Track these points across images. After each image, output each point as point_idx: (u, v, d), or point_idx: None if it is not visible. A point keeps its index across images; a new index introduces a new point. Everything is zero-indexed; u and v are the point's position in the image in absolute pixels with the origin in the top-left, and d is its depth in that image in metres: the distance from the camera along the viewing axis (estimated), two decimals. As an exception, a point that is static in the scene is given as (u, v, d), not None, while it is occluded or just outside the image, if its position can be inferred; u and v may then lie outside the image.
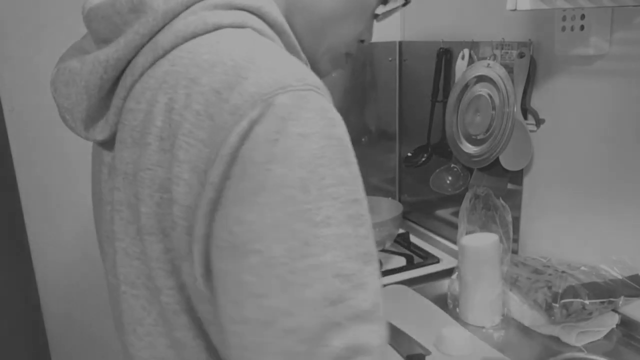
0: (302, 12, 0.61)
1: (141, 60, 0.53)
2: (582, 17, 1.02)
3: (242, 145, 0.45)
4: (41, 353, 1.37)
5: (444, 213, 1.56)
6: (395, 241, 1.50)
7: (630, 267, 1.05)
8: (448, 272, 1.26)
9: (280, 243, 0.44)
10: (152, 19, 0.52)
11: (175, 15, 0.53)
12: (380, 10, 0.69)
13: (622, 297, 1.01)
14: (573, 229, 1.17)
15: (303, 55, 0.59)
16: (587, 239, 1.14)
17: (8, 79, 1.24)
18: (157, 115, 0.50)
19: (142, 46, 0.53)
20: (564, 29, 1.07)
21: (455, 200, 1.42)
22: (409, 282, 1.29)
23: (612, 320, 1.05)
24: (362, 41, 0.70)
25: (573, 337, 1.02)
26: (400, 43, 1.64)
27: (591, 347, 1.01)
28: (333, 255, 0.46)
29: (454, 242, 1.32)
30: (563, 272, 1.08)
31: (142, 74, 0.53)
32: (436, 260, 1.42)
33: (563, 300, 1.00)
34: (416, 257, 1.46)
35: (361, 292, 0.46)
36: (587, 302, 1.00)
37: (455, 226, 1.35)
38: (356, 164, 0.50)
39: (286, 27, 0.56)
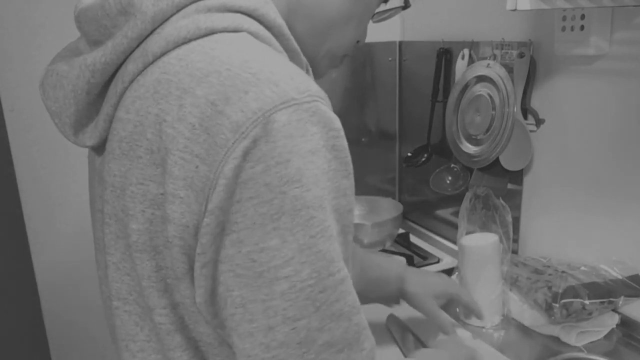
0: (306, 16, 0.59)
1: (131, 67, 0.51)
2: (582, 17, 1.02)
3: (247, 165, 0.43)
4: (41, 353, 1.37)
5: (444, 213, 1.56)
6: (395, 241, 1.50)
7: (630, 267, 1.05)
8: (448, 272, 1.26)
9: (308, 265, 0.45)
10: (141, 22, 0.49)
11: (166, 18, 0.50)
12: (381, 8, 0.68)
13: (622, 297, 1.01)
14: (573, 229, 1.17)
15: (303, 58, 0.58)
16: (587, 239, 1.14)
17: (8, 79, 1.24)
18: (148, 127, 0.48)
19: (132, 51, 0.51)
20: (564, 29, 1.07)
21: (455, 200, 1.42)
22: (409, 282, 1.29)
23: (612, 320, 1.05)
24: (357, 42, 0.68)
25: (573, 337, 1.02)
26: (400, 43, 1.64)
27: (591, 347, 1.01)
28: (346, 266, 0.48)
29: (454, 242, 1.32)
30: (563, 272, 1.08)
31: (132, 81, 0.51)
32: (436, 260, 1.42)
33: (563, 300, 1.00)
34: (416, 257, 1.45)
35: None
36: (587, 302, 1.00)
37: (455, 226, 1.35)
38: (353, 175, 0.50)
39: (285, 29, 0.54)
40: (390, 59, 1.64)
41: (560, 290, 1.02)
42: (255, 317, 0.45)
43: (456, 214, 1.37)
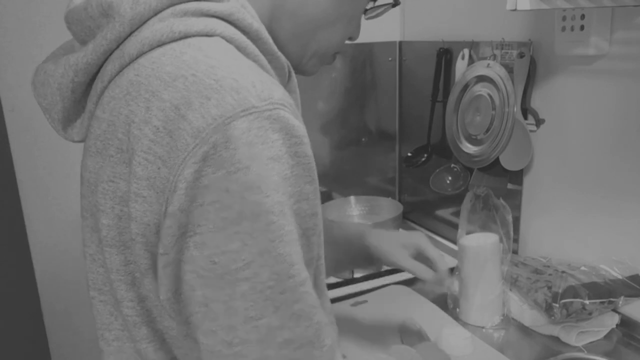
0: (289, 18, 0.60)
1: (109, 67, 0.52)
2: (582, 17, 1.02)
3: (209, 171, 0.45)
4: (41, 353, 1.37)
5: (444, 213, 1.56)
6: (395, 241, 1.50)
7: (630, 267, 1.05)
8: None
9: (267, 268, 0.46)
10: (119, 24, 0.51)
11: (143, 21, 0.51)
12: (370, 5, 0.68)
13: (622, 297, 1.01)
14: (573, 229, 1.17)
15: (283, 60, 0.58)
16: (587, 239, 1.14)
17: (8, 78, 1.24)
18: (119, 127, 0.50)
19: (111, 52, 0.53)
20: (564, 29, 1.07)
21: (455, 200, 1.42)
22: (409, 282, 1.29)
23: (612, 320, 1.05)
24: (350, 39, 0.68)
25: (573, 337, 1.02)
26: (400, 43, 1.64)
27: (591, 347, 1.01)
28: (312, 265, 0.50)
29: (454, 242, 1.32)
30: (563, 272, 1.08)
31: (110, 81, 0.53)
32: (436, 260, 1.41)
33: (563, 300, 1.00)
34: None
35: None
36: (587, 302, 1.00)
37: (455, 226, 1.35)
38: (317, 180, 0.51)
39: (262, 33, 0.54)
40: (390, 59, 1.64)
41: (560, 290, 1.02)
42: (217, 316, 0.47)
43: (456, 214, 1.37)
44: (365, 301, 1.20)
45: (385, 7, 0.69)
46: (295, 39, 0.61)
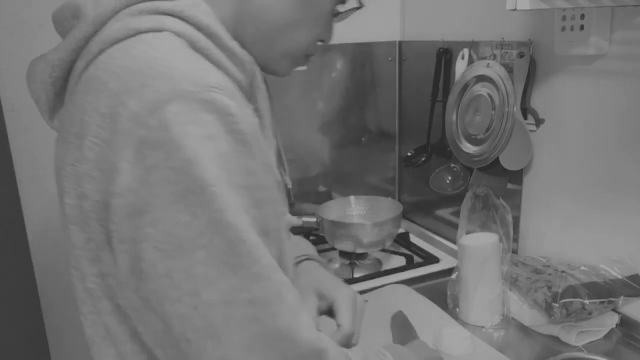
0: (251, 22, 0.63)
1: (79, 64, 0.58)
2: (582, 17, 1.02)
3: (150, 153, 0.49)
4: (41, 353, 1.37)
5: (444, 213, 1.56)
6: (395, 241, 1.50)
7: (630, 267, 1.05)
8: (448, 272, 1.26)
9: (219, 236, 0.50)
10: (85, 24, 0.57)
11: (105, 21, 0.57)
12: (342, 9, 0.69)
13: (622, 297, 1.01)
14: (573, 229, 1.17)
15: (243, 56, 0.61)
16: (587, 238, 1.14)
17: (8, 78, 1.24)
18: (77, 116, 0.55)
19: (81, 50, 0.58)
20: (564, 29, 1.07)
21: (455, 200, 1.42)
22: (409, 282, 1.29)
23: (612, 320, 1.05)
24: (322, 41, 0.70)
25: (573, 337, 1.02)
26: (400, 43, 1.64)
27: (591, 347, 1.01)
28: (272, 235, 0.55)
29: (454, 242, 1.32)
30: (563, 272, 1.08)
31: (80, 77, 0.58)
32: (436, 260, 1.42)
33: (563, 300, 1.00)
34: (416, 257, 1.46)
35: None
36: (587, 302, 1.00)
37: (455, 226, 1.35)
38: (261, 154, 0.56)
39: (214, 29, 0.58)
40: (390, 59, 1.64)
41: (560, 290, 1.02)
42: (180, 284, 0.50)
43: (456, 214, 1.37)
44: (366, 301, 1.20)
45: (352, 10, 0.71)
46: (260, 41, 0.65)
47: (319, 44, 0.70)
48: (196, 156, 0.49)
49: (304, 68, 1.54)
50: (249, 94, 0.63)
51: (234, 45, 0.60)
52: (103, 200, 0.52)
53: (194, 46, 0.56)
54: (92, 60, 0.56)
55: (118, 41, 0.55)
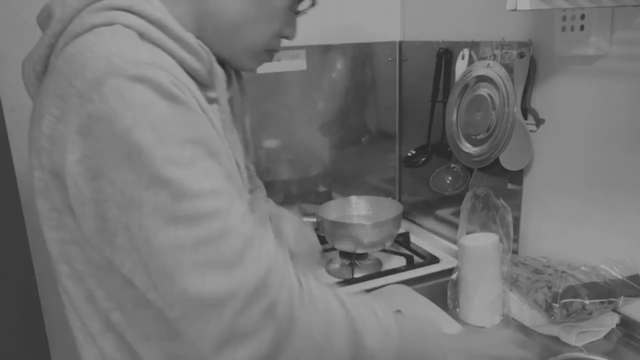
0: (208, 19, 0.70)
1: (52, 59, 0.65)
2: (582, 17, 1.02)
3: (94, 125, 0.56)
4: (41, 353, 1.37)
5: (444, 213, 1.56)
6: (395, 241, 1.50)
7: (630, 267, 1.05)
8: (448, 272, 1.26)
9: (162, 189, 0.56)
10: (54, 22, 0.64)
11: (71, 19, 0.63)
12: (302, 6, 0.76)
13: (622, 297, 1.01)
14: (573, 228, 1.17)
15: (197, 46, 0.66)
16: (587, 238, 1.14)
17: (8, 79, 1.24)
18: (42, 100, 0.62)
19: (52, 46, 0.65)
20: (564, 29, 1.07)
21: (455, 200, 1.42)
22: (409, 282, 1.29)
23: (612, 320, 1.05)
24: (285, 37, 0.77)
25: (573, 337, 1.02)
26: (400, 43, 1.64)
27: (591, 347, 1.01)
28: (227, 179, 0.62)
29: (454, 242, 1.32)
30: (563, 272, 1.08)
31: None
32: (436, 260, 1.42)
33: (563, 300, 1.00)
34: (416, 257, 1.46)
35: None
36: (587, 302, 1.00)
37: (455, 226, 1.35)
38: (202, 110, 0.63)
39: (164, 21, 0.64)
40: (390, 59, 1.64)
41: (560, 290, 1.02)
42: (135, 235, 0.57)
43: (456, 214, 1.37)
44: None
45: (309, 8, 0.76)
46: (220, 39, 0.71)
47: (283, 39, 0.76)
48: (135, 122, 0.55)
49: (303, 67, 1.54)
50: (208, 82, 0.69)
51: (187, 35, 0.65)
52: (58, 169, 0.59)
53: (144, 36, 0.62)
54: (59, 54, 0.63)
55: (78, 35, 0.62)
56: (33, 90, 0.69)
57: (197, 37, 0.67)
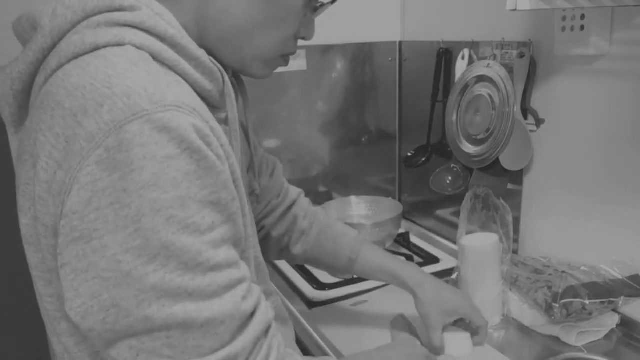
0: (212, 24, 0.61)
1: (38, 79, 0.55)
2: (582, 17, 1.02)
3: (104, 175, 0.47)
4: (41, 353, 1.37)
5: (444, 213, 1.56)
6: (395, 241, 1.50)
7: (630, 267, 1.05)
8: (448, 272, 1.26)
9: (174, 259, 0.48)
10: (41, 36, 0.55)
11: (63, 34, 0.54)
12: (318, 3, 0.66)
13: (622, 297, 1.01)
14: (573, 229, 1.17)
15: (210, 64, 0.59)
16: (587, 239, 1.14)
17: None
18: (32, 134, 0.52)
19: (39, 62, 0.56)
20: (564, 29, 1.07)
21: (455, 200, 1.42)
22: (409, 282, 1.29)
23: (612, 320, 1.05)
24: (303, 38, 0.68)
25: (573, 337, 1.02)
26: (400, 43, 1.64)
27: (591, 347, 1.01)
28: (241, 243, 0.57)
29: (454, 242, 1.32)
30: (563, 272, 1.08)
31: (39, 92, 0.55)
32: (436, 260, 1.42)
33: (563, 300, 1.00)
34: (416, 257, 1.45)
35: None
36: (587, 302, 1.00)
37: (455, 226, 1.35)
38: (230, 167, 0.55)
39: (178, 39, 0.55)
40: (390, 59, 1.64)
41: (560, 290, 1.02)
42: (129, 313, 0.48)
43: (456, 214, 1.37)
44: (366, 301, 1.20)
45: (327, 4, 0.68)
46: (225, 44, 0.62)
47: (300, 41, 0.67)
48: (155, 177, 0.47)
49: (303, 67, 1.54)
50: (219, 103, 0.62)
51: (200, 54, 0.58)
52: (51, 225, 0.51)
53: (158, 58, 0.54)
54: (50, 75, 0.54)
55: (76, 56, 0.52)
56: (9, 110, 0.59)
57: (200, 46, 0.59)
